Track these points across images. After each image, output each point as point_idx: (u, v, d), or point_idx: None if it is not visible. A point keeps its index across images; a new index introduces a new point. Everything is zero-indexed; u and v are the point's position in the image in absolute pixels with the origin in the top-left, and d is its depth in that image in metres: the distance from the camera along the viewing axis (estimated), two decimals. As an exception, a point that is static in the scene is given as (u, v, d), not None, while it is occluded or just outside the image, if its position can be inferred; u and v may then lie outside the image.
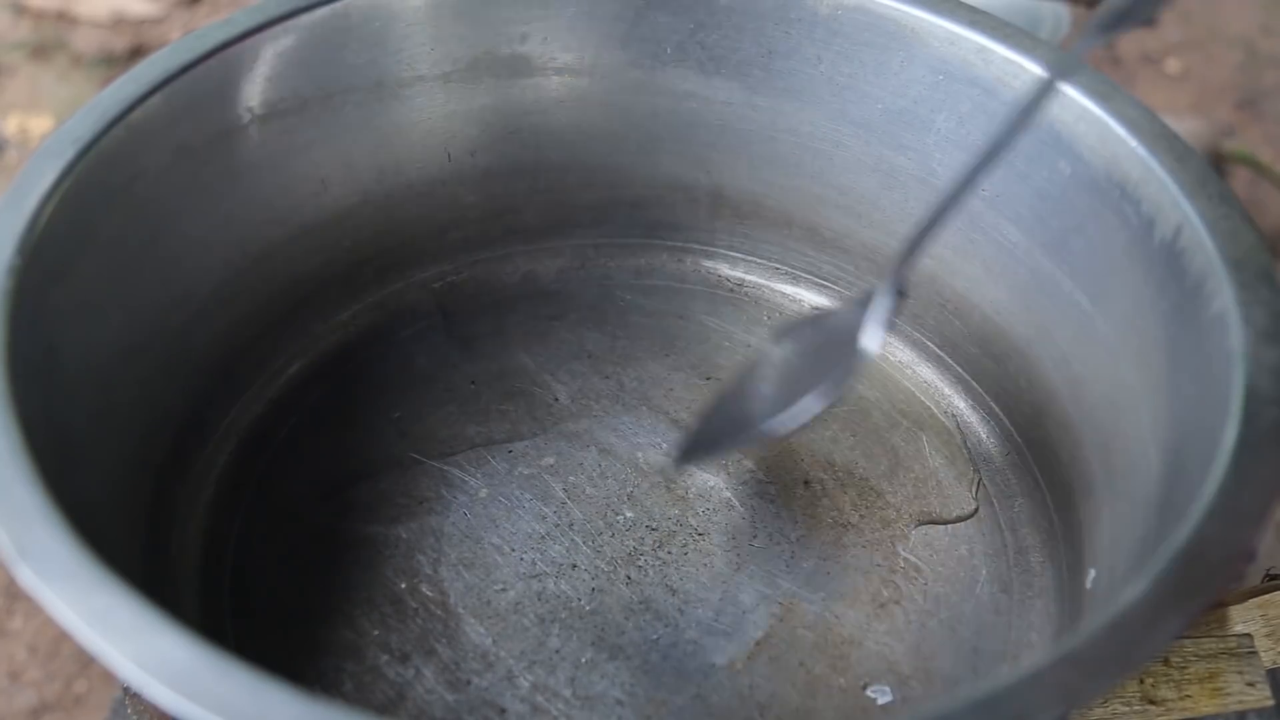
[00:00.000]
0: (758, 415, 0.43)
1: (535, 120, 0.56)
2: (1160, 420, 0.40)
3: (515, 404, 0.53)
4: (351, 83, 0.51)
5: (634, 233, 0.60)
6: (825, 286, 0.59)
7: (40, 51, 1.23)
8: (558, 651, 0.44)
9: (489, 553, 0.47)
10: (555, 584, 0.46)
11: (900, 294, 0.41)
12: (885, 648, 0.45)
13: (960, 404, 0.55)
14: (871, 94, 0.52)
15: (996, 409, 0.53)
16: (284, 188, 0.51)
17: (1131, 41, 1.29)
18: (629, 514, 0.49)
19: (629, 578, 0.47)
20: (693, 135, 0.55)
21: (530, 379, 0.54)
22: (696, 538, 0.48)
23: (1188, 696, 0.42)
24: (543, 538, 0.48)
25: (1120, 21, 0.39)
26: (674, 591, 0.46)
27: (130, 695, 0.44)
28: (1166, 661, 0.43)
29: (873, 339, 0.41)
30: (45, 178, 0.40)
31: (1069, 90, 0.45)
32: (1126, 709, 0.43)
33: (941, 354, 0.56)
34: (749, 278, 0.60)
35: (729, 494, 0.50)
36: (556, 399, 0.54)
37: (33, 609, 0.80)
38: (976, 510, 0.50)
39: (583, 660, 0.44)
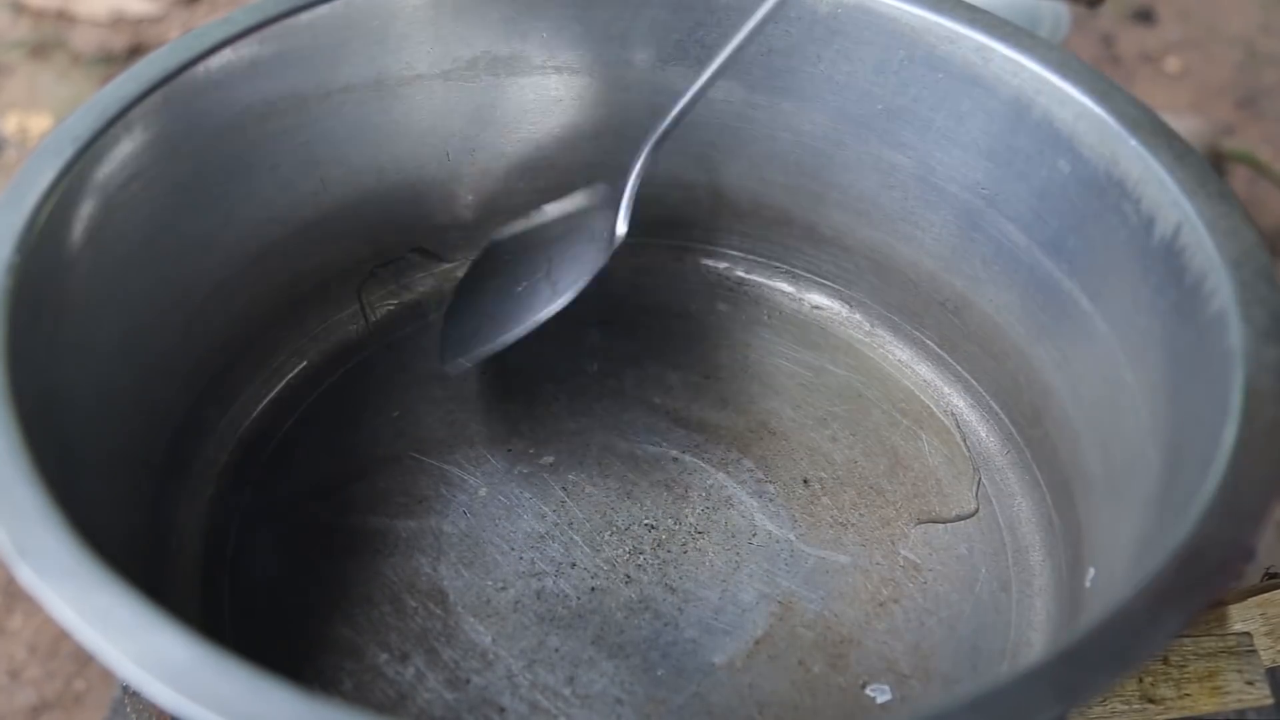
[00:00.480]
0: (523, 306, 0.48)
1: (534, 119, 0.56)
2: (1160, 419, 0.40)
3: (514, 403, 0.53)
4: (351, 81, 0.51)
5: (633, 231, 0.60)
6: (825, 285, 0.59)
7: (39, 50, 1.23)
8: (557, 650, 0.44)
9: (488, 551, 0.47)
10: (555, 583, 0.46)
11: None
12: (884, 646, 0.45)
13: (960, 403, 0.55)
14: (871, 92, 0.52)
15: (996, 407, 0.53)
16: (283, 186, 0.51)
17: (1131, 40, 1.29)
18: (628, 513, 0.49)
19: (628, 576, 0.47)
20: (692, 133, 0.55)
21: (529, 377, 0.54)
22: (696, 536, 0.48)
23: (1187, 695, 0.42)
24: (542, 537, 0.48)
25: None
26: (673, 590, 0.46)
27: (130, 694, 0.44)
28: (1166, 660, 0.43)
29: (623, 225, 0.50)
30: (44, 176, 0.40)
31: (1069, 88, 0.45)
32: (1125, 707, 0.43)
33: (941, 353, 0.56)
34: (749, 276, 0.60)
35: (728, 493, 0.50)
36: (556, 398, 0.54)
37: (32, 608, 0.80)
38: (977, 509, 0.50)
39: (582, 659, 0.44)
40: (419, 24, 0.51)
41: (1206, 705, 0.42)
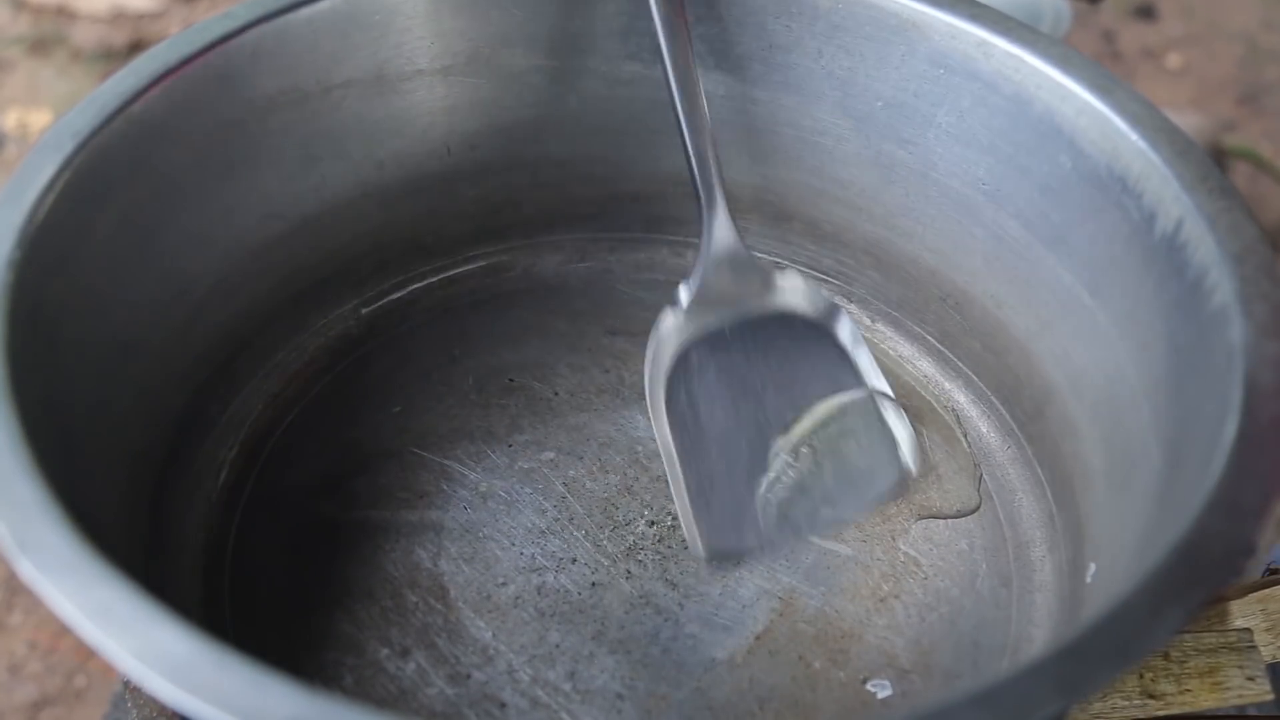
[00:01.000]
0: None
1: (535, 114, 0.56)
2: (1161, 414, 0.40)
3: (515, 398, 0.53)
4: (351, 76, 0.51)
5: (634, 227, 0.60)
6: (826, 281, 0.59)
7: (39, 46, 1.23)
8: (558, 646, 0.44)
9: (489, 547, 0.47)
10: (555, 578, 0.46)
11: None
12: (885, 642, 0.45)
13: (961, 398, 0.55)
14: (872, 88, 0.52)
15: (997, 403, 0.53)
16: (283, 181, 0.51)
17: (1132, 36, 1.28)
18: (629, 508, 0.49)
19: (629, 572, 0.47)
20: (693, 129, 0.55)
21: (530, 373, 0.54)
22: (697, 532, 0.48)
23: (1187, 691, 0.43)
24: (543, 532, 0.48)
25: None
26: (674, 586, 0.46)
27: (130, 689, 0.44)
28: (1166, 656, 0.43)
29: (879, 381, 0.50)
30: (44, 172, 0.40)
31: (1070, 84, 0.45)
32: (1126, 703, 0.43)
33: (942, 348, 0.56)
34: (749, 272, 0.60)
35: (729, 488, 0.50)
36: (556, 393, 0.54)
37: (33, 603, 0.80)
38: (978, 505, 0.50)
39: (583, 654, 0.44)
40: (420, 19, 0.51)
41: (1207, 701, 0.42)
